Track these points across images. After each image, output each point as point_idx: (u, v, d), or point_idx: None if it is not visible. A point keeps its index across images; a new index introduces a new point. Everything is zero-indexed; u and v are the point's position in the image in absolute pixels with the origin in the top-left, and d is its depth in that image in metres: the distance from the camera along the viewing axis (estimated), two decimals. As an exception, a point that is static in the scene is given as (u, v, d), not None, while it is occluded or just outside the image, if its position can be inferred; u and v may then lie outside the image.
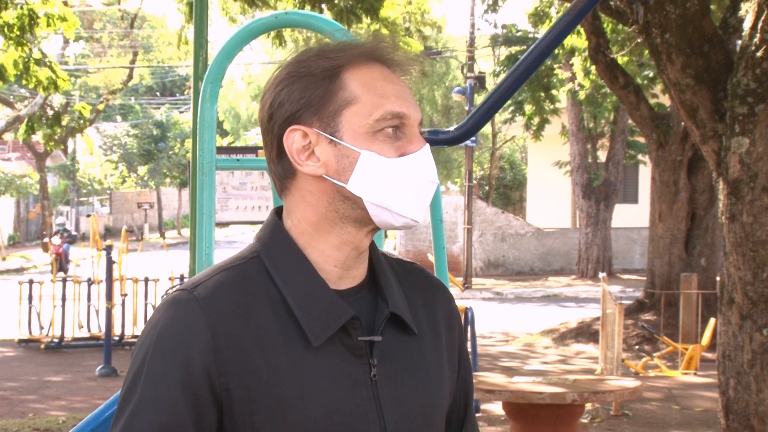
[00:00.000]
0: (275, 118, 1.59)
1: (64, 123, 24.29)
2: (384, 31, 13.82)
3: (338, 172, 1.55)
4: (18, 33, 12.01)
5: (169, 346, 1.51)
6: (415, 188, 1.55)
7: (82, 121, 26.17)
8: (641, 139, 21.85)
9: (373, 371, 1.55)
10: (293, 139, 1.57)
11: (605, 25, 12.79)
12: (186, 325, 1.51)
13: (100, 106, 32.44)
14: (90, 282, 13.47)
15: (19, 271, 27.84)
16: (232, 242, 38.43)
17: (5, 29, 11.99)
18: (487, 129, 32.62)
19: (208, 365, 1.49)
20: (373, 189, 1.54)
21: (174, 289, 1.59)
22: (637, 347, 12.61)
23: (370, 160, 1.54)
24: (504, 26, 24.78)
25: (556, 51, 15.50)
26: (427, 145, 1.58)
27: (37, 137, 23.49)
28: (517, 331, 15.53)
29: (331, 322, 1.53)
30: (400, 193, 1.54)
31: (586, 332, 13.79)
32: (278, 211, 1.63)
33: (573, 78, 18.63)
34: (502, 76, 18.58)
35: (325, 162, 1.56)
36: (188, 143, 34.62)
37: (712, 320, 10.32)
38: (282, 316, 1.53)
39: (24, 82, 13.13)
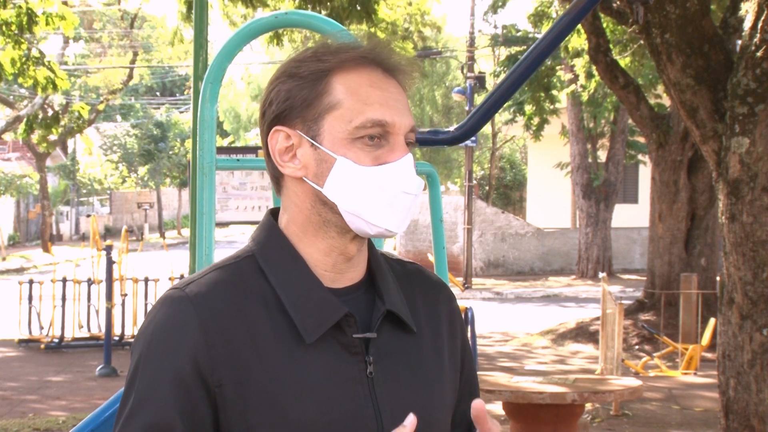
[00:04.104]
0: (266, 117, 1.60)
1: (63, 123, 24.28)
2: (380, 34, 13.81)
3: (317, 175, 1.55)
4: (16, 31, 11.97)
5: (161, 346, 1.51)
6: (389, 198, 1.53)
7: (81, 121, 26.12)
8: (641, 139, 21.84)
9: (369, 369, 1.55)
10: (276, 139, 1.58)
11: (605, 25, 12.79)
12: (177, 324, 1.51)
13: (100, 106, 32.42)
14: (90, 282, 13.47)
15: (19, 271, 27.82)
16: (232, 242, 38.40)
17: (3, 27, 11.95)
18: (487, 129, 32.62)
19: (200, 362, 1.49)
20: (347, 196, 1.53)
21: (168, 288, 1.59)
22: (637, 347, 12.60)
23: (344, 167, 1.53)
24: (504, 26, 24.78)
25: (560, 52, 15.51)
26: (410, 155, 1.55)
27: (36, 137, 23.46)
28: (517, 331, 15.52)
29: (325, 320, 1.53)
30: (373, 202, 1.53)
31: (585, 332, 13.79)
32: (273, 213, 1.64)
33: (575, 79, 18.62)
34: (502, 76, 18.57)
35: (305, 165, 1.56)
36: (188, 143, 34.62)
37: (712, 320, 10.32)
38: (275, 314, 1.53)
39: (21, 81, 13.09)
